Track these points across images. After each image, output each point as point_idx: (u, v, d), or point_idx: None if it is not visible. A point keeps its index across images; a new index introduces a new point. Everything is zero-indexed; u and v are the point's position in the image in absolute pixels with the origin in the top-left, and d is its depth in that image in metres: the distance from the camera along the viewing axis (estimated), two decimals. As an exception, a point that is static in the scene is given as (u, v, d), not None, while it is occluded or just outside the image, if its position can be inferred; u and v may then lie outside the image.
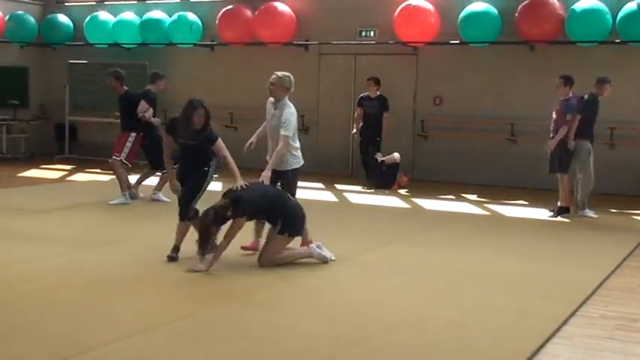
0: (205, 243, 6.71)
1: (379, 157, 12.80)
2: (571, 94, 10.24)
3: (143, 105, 10.37)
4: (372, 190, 12.42)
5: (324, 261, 7.09)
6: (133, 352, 4.73)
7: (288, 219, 7.00)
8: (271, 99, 7.66)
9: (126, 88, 10.81)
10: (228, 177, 7.23)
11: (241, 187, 6.92)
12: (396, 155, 12.78)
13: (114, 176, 11.08)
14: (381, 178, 12.65)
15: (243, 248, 7.32)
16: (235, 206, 6.75)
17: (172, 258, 7.04)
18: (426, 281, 6.68)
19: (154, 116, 10.65)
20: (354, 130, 13.01)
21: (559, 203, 10.29)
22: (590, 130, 10.30)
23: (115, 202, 10.32)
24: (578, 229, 9.61)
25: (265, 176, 7.20)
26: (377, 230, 9.03)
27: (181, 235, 7.16)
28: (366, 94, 13.05)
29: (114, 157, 10.57)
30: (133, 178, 10.90)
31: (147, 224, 9.14)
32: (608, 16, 12.20)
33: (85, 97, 16.32)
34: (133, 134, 10.57)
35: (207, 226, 6.68)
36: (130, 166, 10.66)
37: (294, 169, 7.56)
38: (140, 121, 10.49)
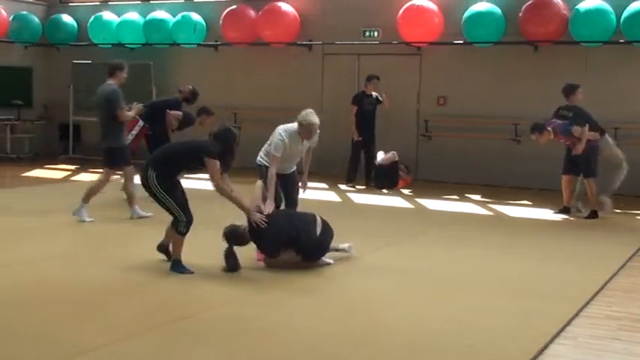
0: (236, 263, 6.73)
1: (377, 159, 12.75)
2: (550, 125, 10.16)
3: (177, 114, 10.44)
4: (364, 189, 12.59)
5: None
6: (135, 353, 4.73)
7: (307, 251, 6.88)
8: (291, 136, 7.41)
9: (185, 108, 10.90)
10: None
11: (258, 223, 6.76)
12: (393, 154, 12.72)
13: (117, 176, 11.06)
14: (384, 179, 12.64)
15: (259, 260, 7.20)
16: (260, 246, 6.86)
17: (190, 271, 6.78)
18: (430, 281, 6.68)
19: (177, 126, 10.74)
20: (356, 135, 12.85)
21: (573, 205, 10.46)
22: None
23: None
24: (582, 229, 9.59)
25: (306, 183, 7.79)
26: (381, 230, 9.03)
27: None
28: (362, 91, 12.98)
29: None
30: (138, 179, 10.87)
31: (149, 225, 9.13)
32: (612, 16, 12.19)
33: (89, 97, 16.26)
34: (141, 123, 10.63)
35: (233, 248, 6.78)
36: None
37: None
38: (157, 120, 10.53)
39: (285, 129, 7.43)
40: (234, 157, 6.87)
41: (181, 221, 6.68)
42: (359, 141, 12.84)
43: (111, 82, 9.19)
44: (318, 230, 6.91)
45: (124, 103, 9.13)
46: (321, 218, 7.02)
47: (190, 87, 11.07)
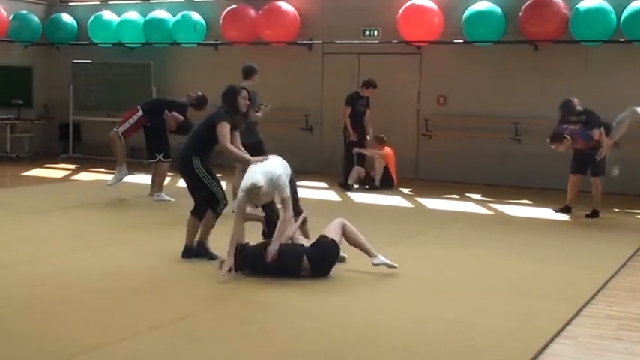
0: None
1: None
2: (566, 131, 10.12)
3: (177, 117, 10.47)
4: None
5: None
6: (136, 352, 4.73)
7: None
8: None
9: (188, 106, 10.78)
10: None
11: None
12: (358, 170, 12.61)
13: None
14: (381, 185, 12.61)
15: None
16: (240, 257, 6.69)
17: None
18: (430, 281, 6.67)
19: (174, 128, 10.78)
20: (354, 136, 12.76)
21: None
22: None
23: (112, 183, 10.72)
24: (582, 228, 9.60)
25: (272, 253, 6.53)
26: (381, 230, 9.01)
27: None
28: (356, 92, 12.82)
29: (114, 129, 10.77)
30: (139, 178, 10.87)
31: (151, 224, 9.14)
32: (612, 15, 12.19)
33: (89, 97, 16.35)
34: (140, 113, 10.64)
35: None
36: (122, 139, 10.68)
37: None
38: (158, 114, 10.55)
39: (242, 188, 6.56)
40: (238, 111, 7.10)
41: (220, 203, 6.97)
42: (353, 142, 12.75)
43: (247, 84, 9.64)
44: (305, 273, 6.55)
45: (258, 104, 9.74)
46: (307, 259, 6.50)
47: (199, 93, 11.00)
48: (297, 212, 7.61)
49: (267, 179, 6.49)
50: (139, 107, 10.77)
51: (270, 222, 7.32)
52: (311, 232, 7.13)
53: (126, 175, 10.87)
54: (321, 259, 6.60)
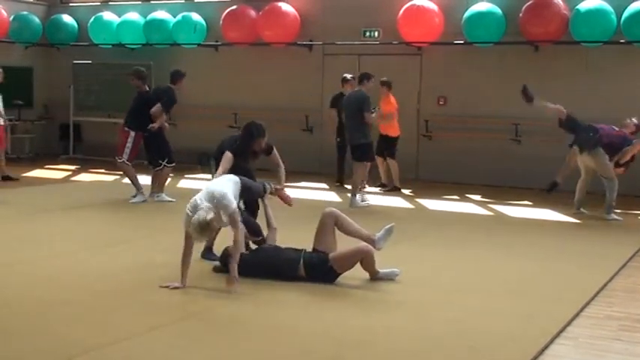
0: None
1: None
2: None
3: (157, 110, 10.46)
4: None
5: None
6: (136, 353, 4.73)
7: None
8: None
9: (147, 87, 10.91)
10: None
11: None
12: None
13: (118, 176, 11.08)
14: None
15: None
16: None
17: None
18: (429, 282, 6.67)
19: (167, 115, 10.85)
20: (336, 136, 12.69)
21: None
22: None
23: (134, 201, 10.58)
24: (583, 229, 9.60)
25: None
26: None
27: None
28: (340, 92, 12.66)
29: (117, 159, 10.69)
30: (140, 178, 10.85)
31: (151, 225, 9.15)
32: (612, 16, 12.20)
33: (90, 97, 16.35)
34: (133, 133, 10.60)
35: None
36: (129, 164, 10.67)
37: None
38: (145, 121, 10.50)
39: (192, 222, 6.15)
40: (247, 151, 7.27)
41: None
42: (340, 142, 12.66)
43: (360, 89, 10.85)
44: (302, 272, 6.49)
45: (371, 107, 10.69)
46: (304, 265, 6.45)
47: (132, 72, 10.99)
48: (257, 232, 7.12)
49: (211, 202, 6.10)
50: (126, 128, 10.69)
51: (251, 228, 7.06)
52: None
53: (146, 198, 10.72)
54: (315, 273, 6.47)
